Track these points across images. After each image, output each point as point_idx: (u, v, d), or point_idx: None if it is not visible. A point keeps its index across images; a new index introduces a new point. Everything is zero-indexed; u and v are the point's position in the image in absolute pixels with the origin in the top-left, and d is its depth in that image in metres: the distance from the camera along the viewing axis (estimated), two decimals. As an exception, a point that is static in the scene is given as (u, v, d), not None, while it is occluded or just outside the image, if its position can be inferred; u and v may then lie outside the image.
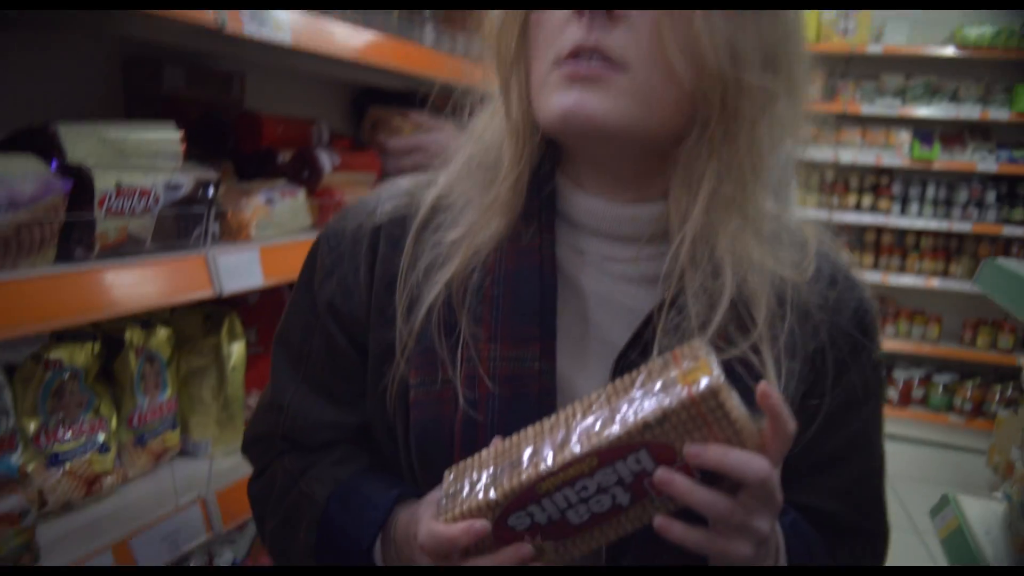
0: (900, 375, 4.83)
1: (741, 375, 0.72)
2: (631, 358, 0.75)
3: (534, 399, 0.75)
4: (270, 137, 1.59)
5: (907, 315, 4.91)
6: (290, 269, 0.99)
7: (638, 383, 0.64)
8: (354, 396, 0.86)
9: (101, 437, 1.26)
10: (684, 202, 0.74)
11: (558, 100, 0.70)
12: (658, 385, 0.62)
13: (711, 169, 0.72)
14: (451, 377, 0.77)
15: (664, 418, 0.60)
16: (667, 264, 0.74)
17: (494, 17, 0.77)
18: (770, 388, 0.61)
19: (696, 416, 0.60)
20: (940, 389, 4.71)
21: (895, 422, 4.73)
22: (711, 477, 0.63)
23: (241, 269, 1.27)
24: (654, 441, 0.61)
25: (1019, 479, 1.41)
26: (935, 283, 4.65)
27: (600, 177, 0.78)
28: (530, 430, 0.68)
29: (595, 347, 0.79)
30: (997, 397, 4.53)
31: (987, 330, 4.72)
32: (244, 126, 1.58)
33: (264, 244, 1.36)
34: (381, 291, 0.83)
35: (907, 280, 4.71)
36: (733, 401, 0.61)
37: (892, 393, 4.80)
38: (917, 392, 4.80)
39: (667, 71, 0.69)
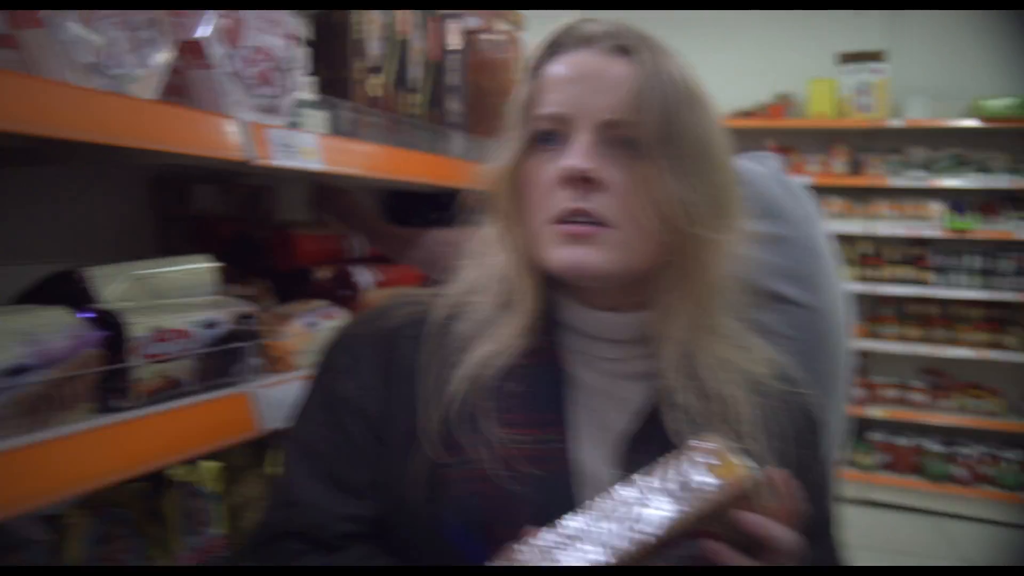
0: (964, 452, 4.59)
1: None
2: (637, 446, 0.89)
3: (559, 474, 0.87)
4: (304, 254, 1.58)
5: (963, 389, 4.71)
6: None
7: (669, 477, 0.75)
8: (369, 488, 0.92)
9: (152, 584, 1.18)
10: (661, 326, 0.91)
11: (559, 255, 0.87)
12: (695, 480, 0.74)
13: (681, 299, 0.90)
14: (481, 459, 0.86)
15: (716, 509, 0.72)
16: (660, 383, 0.91)
17: (488, 177, 0.93)
18: (787, 477, 0.76)
19: (739, 500, 0.73)
20: (1011, 466, 4.45)
21: (966, 502, 4.49)
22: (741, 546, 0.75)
23: (284, 403, 1.20)
24: (703, 529, 0.73)
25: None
26: (989, 355, 4.47)
27: (591, 294, 0.94)
28: (581, 519, 0.76)
29: (596, 432, 0.91)
30: (1073, 473, 4.29)
31: (1052, 403, 4.50)
32: (278, 244, 1.56)
33: (306, 372, 1.30)
34: (401, 384, 0.93)
35: (959, 352, 4.55)
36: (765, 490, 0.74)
37: (959, 471, 4.56)
38: (986, 470, 4.54)
39: (641, 226, 0.86)
